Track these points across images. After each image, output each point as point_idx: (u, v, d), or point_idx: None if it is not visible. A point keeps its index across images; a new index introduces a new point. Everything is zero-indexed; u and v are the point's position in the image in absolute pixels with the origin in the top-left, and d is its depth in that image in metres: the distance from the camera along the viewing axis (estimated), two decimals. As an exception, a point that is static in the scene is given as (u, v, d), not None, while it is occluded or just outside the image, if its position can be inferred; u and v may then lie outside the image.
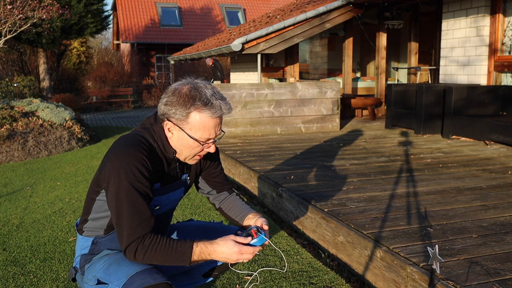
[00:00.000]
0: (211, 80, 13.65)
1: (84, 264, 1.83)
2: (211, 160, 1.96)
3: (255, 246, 1.69)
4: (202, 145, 1.71)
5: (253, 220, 1.89)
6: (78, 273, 1.87)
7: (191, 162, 1.80)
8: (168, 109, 1.67)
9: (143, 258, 1.61)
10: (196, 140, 1.69)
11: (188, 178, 1.92)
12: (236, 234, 1.74)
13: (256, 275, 2.67)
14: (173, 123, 1.68)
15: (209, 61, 13.32)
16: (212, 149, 1.75)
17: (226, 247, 1.61)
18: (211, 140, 1.72)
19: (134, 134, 1.73)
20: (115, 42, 27.31)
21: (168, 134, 1.72)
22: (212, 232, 2.02)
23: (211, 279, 2.12)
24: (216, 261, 2.01)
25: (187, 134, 1.68)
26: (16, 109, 8.23)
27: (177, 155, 1.77)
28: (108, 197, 1.65)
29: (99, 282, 1.73)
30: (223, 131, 1.77)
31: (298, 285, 2.54)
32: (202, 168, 1.97)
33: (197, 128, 1.67)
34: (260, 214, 1.91)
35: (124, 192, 1.60)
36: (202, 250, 1.62)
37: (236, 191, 2.08)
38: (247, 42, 8.10)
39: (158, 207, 1.82)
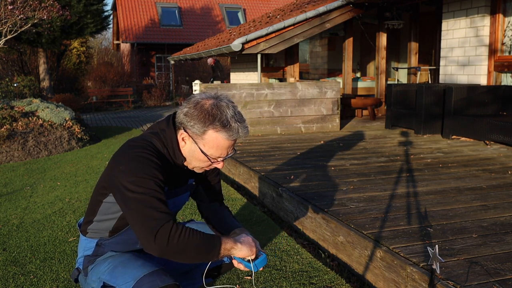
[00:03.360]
0: (211, 80, 13.71)
1: (87, 265, 1.82)
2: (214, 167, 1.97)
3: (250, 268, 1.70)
4: (211, 161, 1.73)
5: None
6: (81, 274, 1.86)
7: (198, 171, 1.81)
8: (186, 120, 1.67)
9: (178, 239, 1.51)
10: (207, 156, 1.70)
11: (194, 182, 1.93)
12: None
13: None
14: (189, 135, 1.69)
15: (211, 61, 13.39)
16: (220, 166, 1.77)
17: (247, 241, 1.70)
18: (221, 158, 1.73)
19: (142, 139, 1.73)
20: (115, 42, 27.31)
21: (181, 142, 1.73)
22: (209, 230, 2.03)
23: (210, 280, 2.12)
24: (216, 261, 2.01)
25: (200, 148, 1.69)
26: (16, 109, 8.23)
27: (185, 163, 1.78)
28: (121, 202, 1.61)
29: (104, 285, 1.72)
30: (234, 150, 1.78)
31: (298, 285, 2.54)
32: (206, 173, 1.97)
33: (210, 146, 1.68)
34: (247, 231, 1.88)
35: (139, 195, 1.56)
36: (226, 242, 1.65)
37: (226, 205, 2.10)
38: (247, 42, 8.10)
39: None
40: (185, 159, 1.76)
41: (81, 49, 21.65)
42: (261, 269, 1.74)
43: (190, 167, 1.79)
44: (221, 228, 1.96)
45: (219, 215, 2.01)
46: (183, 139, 1.72)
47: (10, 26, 9.71)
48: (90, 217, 1.82)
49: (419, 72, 9.16)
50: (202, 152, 1.69)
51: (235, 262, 1.74)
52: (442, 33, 7.29)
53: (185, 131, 1.69)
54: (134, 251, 1.86)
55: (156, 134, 1.75)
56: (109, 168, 1.72)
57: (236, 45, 7.99)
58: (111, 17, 21.80)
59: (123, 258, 1.76)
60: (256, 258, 1.72)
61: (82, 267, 1.84)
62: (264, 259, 1.73)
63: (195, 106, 1.66)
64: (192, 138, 1.69)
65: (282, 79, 10.13)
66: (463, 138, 6.14)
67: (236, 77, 12.30)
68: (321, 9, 8.27)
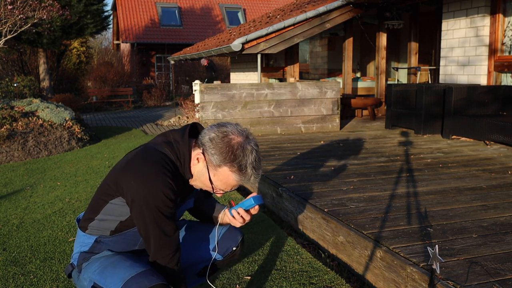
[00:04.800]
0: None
1: (82, 262, 1.83)
2: None
3: (250, 207, 1.84)
4: (213, 190, 1.78)
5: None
6: (74, 270, 1.86)
7: (196, 187, 1.86)
8: (209, 146, 1.69)
9: (171, 268, 1.75)
10: (212, 184, 1.74)
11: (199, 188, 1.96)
12: (230, 205, 1.85)
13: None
14: (205, 159, 1.72)
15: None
16: (219, 195, 1.82)
17: None
18: (223, 191, 1.78)
19: (157, 151, 1.73)
20: (115, 42, 27.32)
21: (194, 160, 1.75)
22: (200, 229, 2.08)
23: (204, 279, 2.12)
24: (209, 260, 2.03)
25: (209, 175, 1.72)
26: (16, 109, 8.23)
27: (190, 180, 1.81)
28: (134, 216, 1.69)
29: (95, 286, 1.73)
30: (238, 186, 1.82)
31: (298, 285, 2.54)
32: None
33: (219, 179, 1.71)
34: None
35: (151, 216, 1.65)
36: None
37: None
38: (247, 42, 8.10)
39: None
40: (191, 176, 1.78)
41: (81, 49, 21.65)
42: (256, 207, 1.85)
43: (191, 183, 1.82)
44: (211, 212, 2.06)
45: (207, 202, 2.08)
46: (197, 159, 1.73)
47: (10, 26, 9.71)
48: (91, 215, 1.82)
49: (419, 72, 9.16)
50: (210, 179, 1.73)
51: (237, 216, 1.86)
52: (442, 33, 7.29)
53: (203, 153, 1.71)
54: (129, 252, 1.87)
55: (170, 144, 1.76)
56: (122, 176, 1.71)
57: (236, 45, 7.99)
58: (111, 17, 21.81)
59: (113, 259, 1.77)
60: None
61: (76, 263, 1.85)
62: (260, 197, 1.84)
63: (223, 138, 1.68)
64: (206, 163, 1.71)
65: (282, 79, 10.13)
66: (463, 138, 6.14)
67: (236, 77, 12.30)
68: (321, 9, 8.27)
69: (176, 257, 1.73)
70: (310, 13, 8.23)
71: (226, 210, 1.98)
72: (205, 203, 2.05)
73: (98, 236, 1.82)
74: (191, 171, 1.76)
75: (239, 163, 1.66)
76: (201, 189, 1.95)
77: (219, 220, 2.00)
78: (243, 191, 4.62)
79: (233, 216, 1.86)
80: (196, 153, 1.73)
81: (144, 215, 1.65)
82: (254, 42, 8.15)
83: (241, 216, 1.85)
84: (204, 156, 1.70)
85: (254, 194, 1.88)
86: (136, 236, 1.82)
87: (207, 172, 1.72)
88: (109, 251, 1.83)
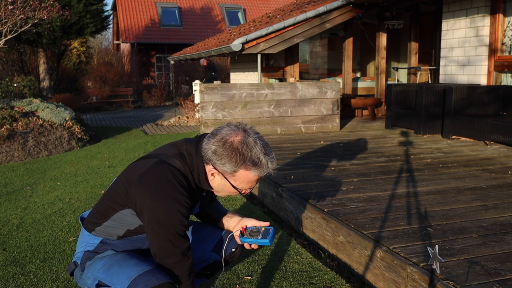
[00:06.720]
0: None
1: (85, 260, 1.83)
2: None
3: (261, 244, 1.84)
4: (241, 193, 1.77)
5: (234, 219, 1.98)
6: (77, 268, 1.86)
7: (222, 195, 1.86)
8: (216, 158, 1.68)
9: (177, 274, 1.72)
10: (237, 189, 1.74)
11: (204, 193, 1.96)
12: (242, 233, 1.85)
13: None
14: (218, 171, 1.71)
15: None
16: (246, 193, 1.81)
17: None
18: (250, 189, 1.78)
19: (171, 166, 1.70)
20: (115, 42, 27.31)
21: (210, 177, 1.75)
22: (200, 229, 2.09)
23: (205, 279, 2.12)
24: (207, 260, 2.03)
25: (230, 183, 1.72)
26: (16, 109, 8.24)
27: (213, 190, 1.82)
28: (149, 235, 1.68)
29: (99, 284, 1.73)
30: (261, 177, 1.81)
31: (298, 285, 2.54)
32: None
33: (241, 181, 1.71)
34: (238, 214, 2.00)
35: (166, 236, 1.64)
36: None
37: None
38: (247, 42, 8.10)
39: None
40: (211, 188, 1.80)
41: (81, 49, 21.65)
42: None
43: (218, 195, 1.84)
44: (213, 214, 2.05)
45: (213, 206, 2.08)
46: (212, 174, 1.74)
47: (10, 26, 9.71)
48: (99, 220, 1.80)
49: (419, 72, 9.16)
50: (232, 185, 1.73)
51: (246, 245, 1.87)
52: (442, 33, 7.29)
53: (215, 168, 1.71)
54: (134, 250, 1.87)
55: (182, 156, 1.74)
56: (136, 191, 1.68)
57: (236, 45, 8.00)
58: (111, 17, 21.80)
59: (118, 257, 1.77)
60: (263, 236, 1.84)
61: (80, 261, 1.84)
62: (273, 231, 1.85)
63: (224, 144, 1.66)
64: (223, 175, 1.71)
65: (282, 79, 10.13)
66: (463, 138, 6.14)
67: (236, 77, 12.30)
68: (321, 9, 8.27)
69: (192, 277, 1.72)
70: (310, 13, 8.23)
71: (232, 217, 1.99)
72: (209, 206, 2.05)
73: (104, 238, 1.82)
74: (209, 184, 1.77)
75: (251, 159, 1.65)
76: (205, 193, 1.95)
77: (222, 226, 2.02)
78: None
79: (242, 243, 1.91)
80: (208, 169, 1.73)
81: (160, 235, 1.64)
82: (254, 42, 8.15)
83: (251, 246, 1.90)
84: (217, 170, 1.70)
85: (267, 224, 1.89)
86: (143, 240, 1.82)
87: (227, 182, 1.72)
88: (113, 250, 1.83)
